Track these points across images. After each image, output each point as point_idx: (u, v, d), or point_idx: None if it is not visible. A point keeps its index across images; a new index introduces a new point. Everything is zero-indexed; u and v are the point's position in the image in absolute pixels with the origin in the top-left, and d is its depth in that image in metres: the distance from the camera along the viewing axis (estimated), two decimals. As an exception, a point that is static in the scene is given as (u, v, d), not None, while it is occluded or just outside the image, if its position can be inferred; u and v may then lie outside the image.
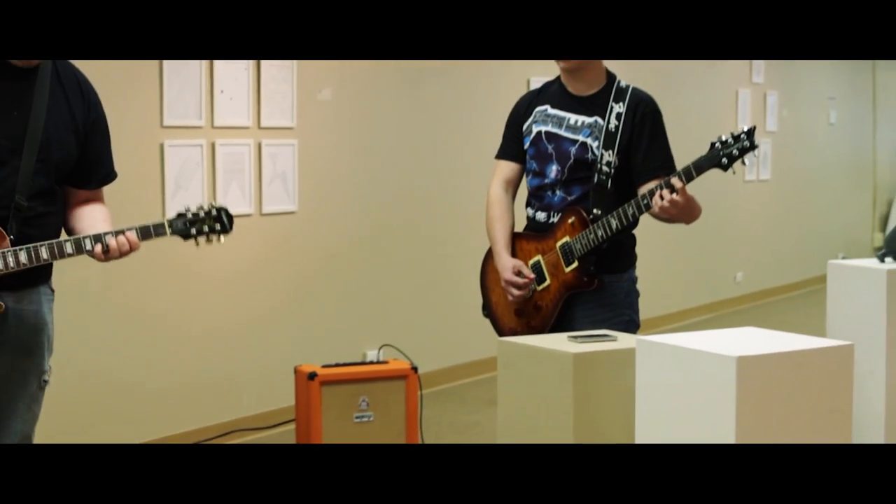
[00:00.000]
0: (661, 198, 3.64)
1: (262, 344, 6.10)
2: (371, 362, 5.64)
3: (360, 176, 6.63)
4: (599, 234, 3.84)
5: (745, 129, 3.60)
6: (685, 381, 2.75)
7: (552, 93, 4.12)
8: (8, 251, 3.21)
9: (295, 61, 6.11)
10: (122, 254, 3.33)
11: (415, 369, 5.39)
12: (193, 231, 3.46)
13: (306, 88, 6.23)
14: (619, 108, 3.95)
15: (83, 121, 3.40)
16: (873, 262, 4.24)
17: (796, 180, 11.27)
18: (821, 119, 11.91)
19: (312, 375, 5.22)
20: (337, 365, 5.39)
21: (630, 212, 3.78)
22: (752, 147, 3.59)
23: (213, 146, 5.77)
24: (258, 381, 6.04)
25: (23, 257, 3.22)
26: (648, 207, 3.73)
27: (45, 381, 3.43)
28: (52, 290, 3.47)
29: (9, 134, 3.25)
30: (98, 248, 3.30)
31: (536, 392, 3.27)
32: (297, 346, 6.15)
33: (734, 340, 2.81)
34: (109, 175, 3.56)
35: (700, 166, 3.62)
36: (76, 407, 5.20)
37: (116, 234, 3.32)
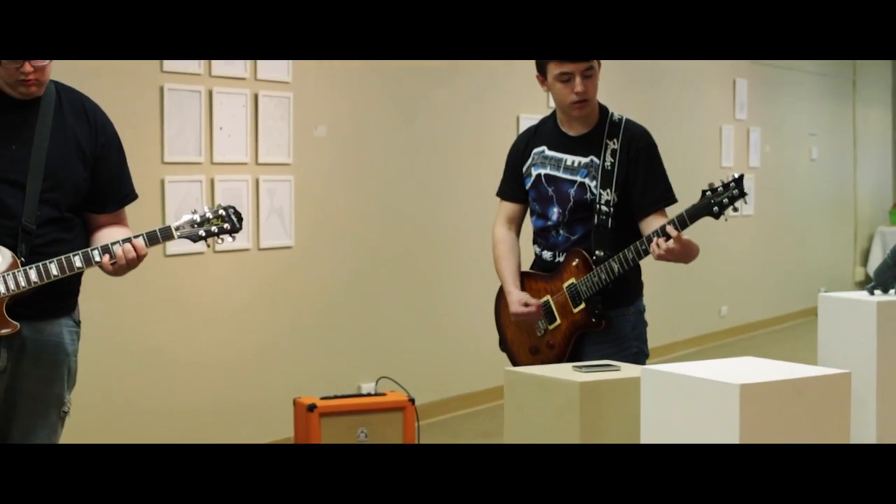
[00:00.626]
0: (658, 245, 3.76)
1: (259, 376, 6.17)
2: (369, 394, 5.72)
3: (355, 211, 6.73)
4: (603, 277, 3.95)
5: (735, 178, 3.72)
6: (690, 408, 2.83)
7: (548, 133, 4.19)
8: (18, 270, 3.24)
9: (290, 96, 6.21)
10: (129, 262, 3.33)
11: (412, 401, 5.48)
12: (202, 233, 3.44)
13: (302, 125, 6.34)
14: (613, 144, 4.04)
15: (90, 147, 3.42)
16: (863, 295, 4.35)
17: (779, 215, 11.39)
18: (803, 155, 12.05)
19: (312, 407, 5.30)
20: (335, 397, 5.47)
21: (630, 256, 3.89)
22: (742, 195, 3.71)
23: (212, 182, 5.86)
24: (257, 412, 6.10)
25: (33, 275, 3.25)
26: (647, 252, 3.85)
27: (65, 413, 3.46)
28: (77, 323, 3.49)
29: (10, 167, 3.28)
30: (106, 257, 3.31)
31: (543, 421, 3.34)
32: (294, 378, 6.22)
33: (735, 369, 2.90)
34: (128, 196, 3.56)
35: (693, 215, 3.74)
36: (78, 436, 5.25)
37: (123, 242, 3.33)
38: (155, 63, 5.59)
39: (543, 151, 4.16)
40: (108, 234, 3.47)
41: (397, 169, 6.99)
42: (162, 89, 5.62)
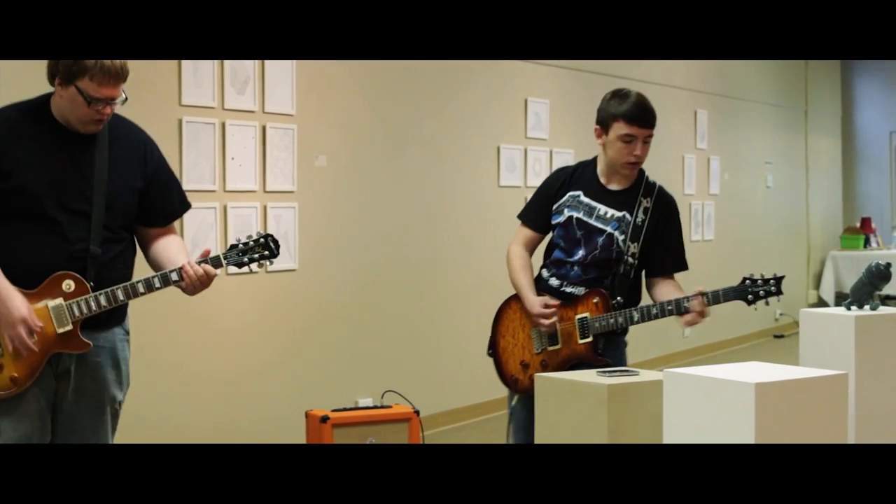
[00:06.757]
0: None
1: (268, 391, 6.49)
2: (376, 406, 6.06)
3: (355, 234, 7.10)
4: (620, 321, 4.30)
5: (776, 277, 4.22)
6: (708, 406, 3.18)
7: (587, 180, 4.49)
8: (90, 297, 3.60)
9: (294, 128, 6.58)
10: (201, 281, 3.73)
11: (417, 412, 5.84)
12: (246, 259, 3.84)
13: (305, 155, 6.70)
14: (646, 203, 4.40)
15: (142, 174, 3.78)
16: (841, 310, 4.77)
17: (737, 240, 11.74)
18: (759, 182, 12.47)
19: (325, 419, 5.64)
20: (345, 409, 5.83)
21: (654, 312, 4.26)
22: (778, 293, 4.22)
23: (225, 209, 6.20)
24: (265, 424, 6.41)
25: (102, 300, 3.62)
26: (671, 313, 4.25)
27: (118, 410, 3.85)
28: (126, 332, 3.86)
29: (78, 196, 3.62)
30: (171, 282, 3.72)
31: (572, 421, 3.69)
32: (299, 393, 6.55)
33: (747, 371, 3.28)
34: (177, 212, 3.97)
35: (727, 296, 4.23)
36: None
37: (179, 272, 3.70)
38: (174, 97, 5.94)
39: (579, 196, 4.46)
40: (162, 247, 3.86)
41: (391, 194, 7.37)
42: (181, 122, 5.96)
